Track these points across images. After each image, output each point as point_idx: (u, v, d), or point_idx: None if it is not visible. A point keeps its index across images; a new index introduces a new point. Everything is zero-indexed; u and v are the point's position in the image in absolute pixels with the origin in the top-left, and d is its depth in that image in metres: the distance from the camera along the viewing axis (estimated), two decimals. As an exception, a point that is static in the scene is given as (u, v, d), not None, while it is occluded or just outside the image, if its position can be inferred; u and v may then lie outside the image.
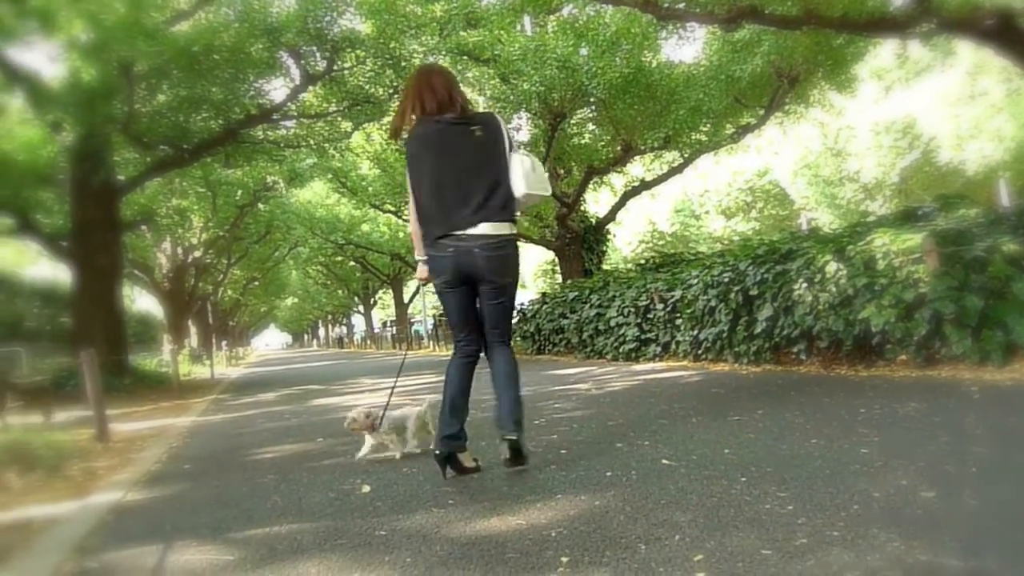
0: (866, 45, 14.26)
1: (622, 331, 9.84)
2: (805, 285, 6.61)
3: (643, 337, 9.54)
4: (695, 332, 8.34)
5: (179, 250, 22.38)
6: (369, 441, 3.71)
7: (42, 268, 26.23)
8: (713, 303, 7.97)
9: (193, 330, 26.78)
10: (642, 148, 14.24)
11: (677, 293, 8.97)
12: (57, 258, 16.06)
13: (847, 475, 2.70)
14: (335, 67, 10.91)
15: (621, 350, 9.78)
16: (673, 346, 8.98)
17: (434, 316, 34.89)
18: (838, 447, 3.20)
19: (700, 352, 8.28)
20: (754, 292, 7.19)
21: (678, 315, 8.91)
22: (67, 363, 11.95)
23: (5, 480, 3.97)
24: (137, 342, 20.15)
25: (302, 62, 10.60)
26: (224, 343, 37.58)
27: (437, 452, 3.09)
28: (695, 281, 8.48)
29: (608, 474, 2.96)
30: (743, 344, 7.38)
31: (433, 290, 3.16)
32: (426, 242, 3.06)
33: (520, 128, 17.12)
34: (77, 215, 11.80)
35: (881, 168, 38.41)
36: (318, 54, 10.56)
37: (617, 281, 11.06)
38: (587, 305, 11.02)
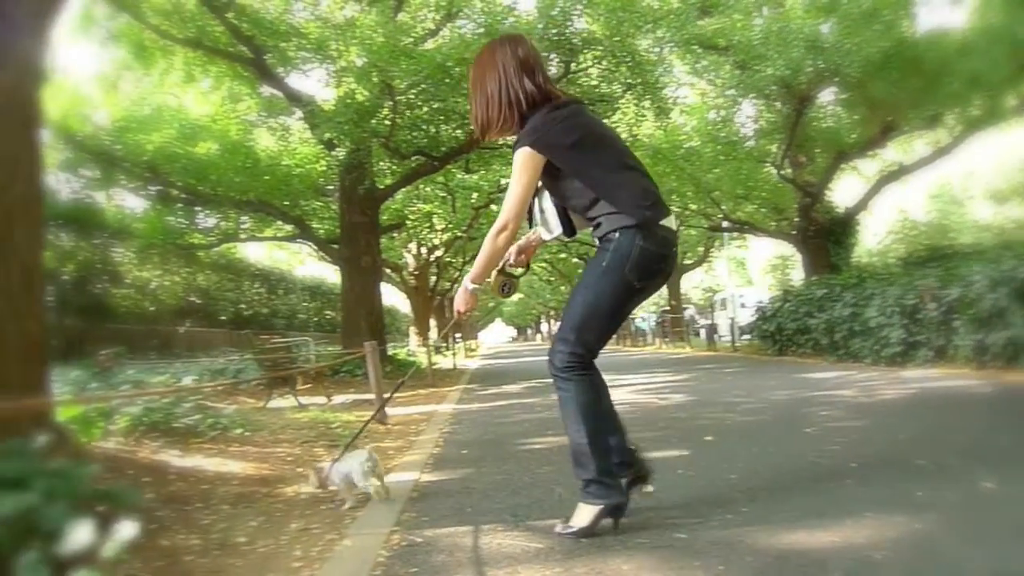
0: None
1: (884, 333, 8.91)
2: None
3: (911, 340, 8.56)
4: (979, 336, 7.32)
5: (423, 250, 24.37)
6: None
7: (309, 267, 30.09)
8: (1004, 302, 6.94)
9: (433, 323, 28.98)
10: (905, 128, 12.78)
11: (954, 291, 7.94)
12: (327, 259, 18.32)
13: None
14: (571, 69, 11.15)
15: (883, 354, 8.86)
16: (950, 351, 7.97)
17: (656, 312, 34.47)
18: None
19: (986, 358, 7.25)
20: (1063, 290, 6.15)
21: (955, 316, 7.89)
22: (338, 351, 13.56)
23: (316, 454, 4.57)
24: (386, 333, 22.34)
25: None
26: (458, 336, 40.32)
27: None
28: (978, 277, 7.44)
29: (919, 494, 2.67)
30: (1048, 351, 6.34)
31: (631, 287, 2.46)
32: None
33: (749, 116, 16.28)
34: (345, 221, 13.30)
35: None
36: (556, 58, 10.87)
37: (875, 277, 10.05)
38: (839, 303, 10.14)
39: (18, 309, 3.18)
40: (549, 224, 2.62)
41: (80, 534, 2.05)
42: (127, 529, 2.07)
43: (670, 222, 2.48)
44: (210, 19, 11.09)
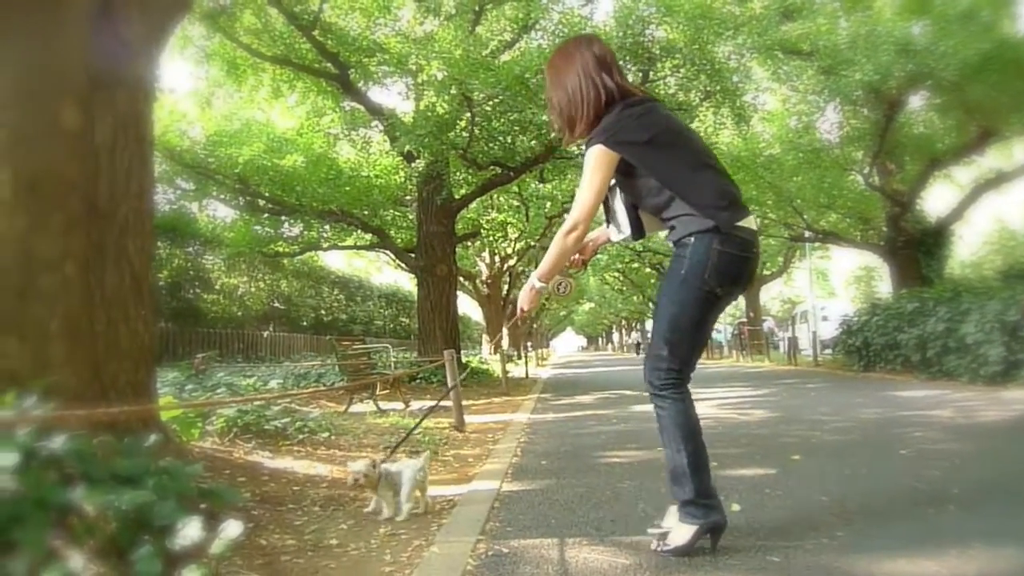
0: None
1: (982, 350, 8.42)
2: None
3: (1012, 359, 8.07)
4: (1093, 355, 6.84)
5: (496, 259, 24.58)
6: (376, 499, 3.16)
7: (385, 275, 30.79)
8: (1121, 320, 6.46)
9: (505, 331, 29.15)
10: (1006, 134, 12.10)
11: (1063, 307, 7.44)
12: (404, 268, 18.71)
13: None
14: (649, 78, 11.06)
15: (981, 372, 8.38)
16: (1058, 371, 7.47)
17: (732, 323, 33.61)
18: None
19: (1100, 380, 6.77)
20: None
21: (1064, 333, 7.40)
22: (415, 358, 13.82)
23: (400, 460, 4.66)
24: (459, 341, 22.63)
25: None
26: (529, 344, 40.45)
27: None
28: (1092, 293, 6.96)
29: (1032, 525, 2.52)
30: None
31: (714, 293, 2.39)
32: None
33: (833, 123, 15.70)
34: (422, 230, 13.56)
35: None
36: (633, 67, 10.80)
37: (972, 291, 9.53)
38: (932, 318, 9.65)
39: (129, 314, 3.39)
40: (620, 224, 2.57)
41: (190, 530, 2.17)
42: (233, 527, 2.18)
43: (749, 222, 2.38)
44: (297, 37, 11.55)
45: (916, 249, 14.16)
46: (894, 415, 6.00)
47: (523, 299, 2.68)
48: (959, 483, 3.23)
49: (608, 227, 2.70)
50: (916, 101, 13.87)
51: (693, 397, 2.43)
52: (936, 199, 17.88)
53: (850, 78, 11.01)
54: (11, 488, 1.88)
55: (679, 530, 2.34)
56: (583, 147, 2.53)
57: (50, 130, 3.00)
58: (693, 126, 13.83)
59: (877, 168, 14.67)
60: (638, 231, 2.54)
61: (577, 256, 2.74)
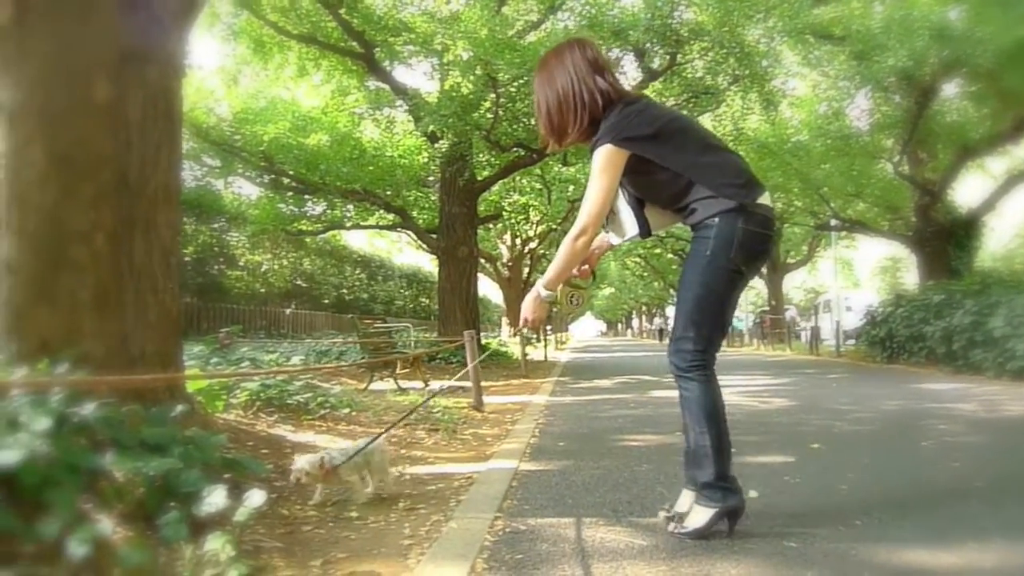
0: None
1: (1010, 344, 8.29)
2: None
3: (1041, 353, 7.94)
4: (1124, 352, 6.70)
5: (518, 241, 24.55)
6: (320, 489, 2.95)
7: (406, 256, 30.87)
8: None
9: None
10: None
11: (1095, 302, 7.29)
12: (425, 249, 18.76)
13: None
14: (677, 61, 10.92)
15: (1008, 367, 8.25)
16: (1088, 367, 7.34)
17: (754, 311, 33.38)
18: None
19: None
20: None
21: (1096, 329, 7.25)
22: (434, 338, 13.88)
23: (418, 437, 4.72)
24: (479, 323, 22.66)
25: (645, 59, 10.81)
26: (549, 328, 40.48)
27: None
28: (1126, 288, 6.80)
29: (1055, 520, 2.49)
30: None
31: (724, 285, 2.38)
32: None
33: (863, 109, 15.41)
34: (444, 211, 13.59)
35: None
36: (661, 50, 10.67)
37: (1002, 284, 9.36)
38: (960, 311, 9.50)
39: (157, 287, 3.45)
40: (624, 226, 2.55)
41: (215, 498, 2.22)
42: (256, 497, 2.23)
43: (766, 199, 2.39)
44: (324, 15, 11.56)
45: (945, 240, 13.90)
46: (917, 407, 5.95)
47: (527, 308, 2.57)
48: (981, 476, 3.21)
49: (607, 233, 2.67)
50: (950, 88, 13.59)
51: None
52: (968, 189, 17.53)
53: (883, 64, 10.79)
54: (44, 452, 1.93)
55: (697, 513, 2.34)
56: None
57: (82, 104, 3.04)
58: (720, 111, 13.69)
59: (907, 157, 14.41)
60: (645, 229, 2.52)
61: (585, 267, 2.69)
